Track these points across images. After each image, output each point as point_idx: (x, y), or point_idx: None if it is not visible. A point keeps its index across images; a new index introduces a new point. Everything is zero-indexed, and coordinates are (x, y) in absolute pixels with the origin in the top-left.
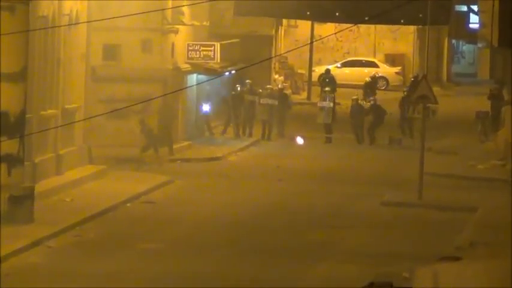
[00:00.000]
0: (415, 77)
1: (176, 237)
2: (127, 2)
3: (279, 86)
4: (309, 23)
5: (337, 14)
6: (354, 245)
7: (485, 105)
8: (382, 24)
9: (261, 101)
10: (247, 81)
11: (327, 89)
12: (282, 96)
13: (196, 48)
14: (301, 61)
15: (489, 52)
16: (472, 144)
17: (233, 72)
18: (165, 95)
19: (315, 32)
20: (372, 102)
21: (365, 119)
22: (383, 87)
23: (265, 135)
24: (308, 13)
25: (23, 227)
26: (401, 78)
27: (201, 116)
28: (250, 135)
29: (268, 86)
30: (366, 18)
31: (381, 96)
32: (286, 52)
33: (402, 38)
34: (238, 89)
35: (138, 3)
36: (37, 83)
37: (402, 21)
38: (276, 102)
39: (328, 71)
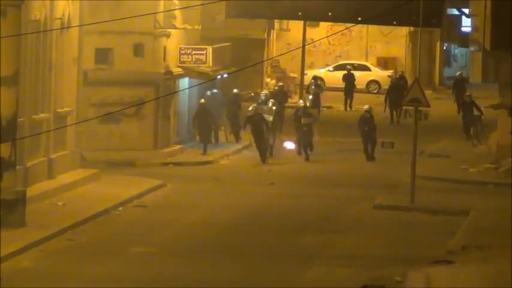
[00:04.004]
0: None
1: (168, 240)
2: (119, 5)
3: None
4: (301, 26)
5: (329, 14)
6: (346, 248)
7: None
8: (375, 24)
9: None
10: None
11: (310, 97)
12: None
13: (188, 52)
14: (293, 65)
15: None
16: (464, 148)
17: (225, 75)
18: (158, 98)
19: (307, 36)
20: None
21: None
22: (375, 91)
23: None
24: (300, 13)
25: (14, 231)
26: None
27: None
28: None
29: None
30: (359, 19)
31: (372, 100)
32: (278, 55)
33: (394, 42)
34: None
35: (130, 7)
36: (29, 86)
37: (394, 22)
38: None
39: (315, 77)
